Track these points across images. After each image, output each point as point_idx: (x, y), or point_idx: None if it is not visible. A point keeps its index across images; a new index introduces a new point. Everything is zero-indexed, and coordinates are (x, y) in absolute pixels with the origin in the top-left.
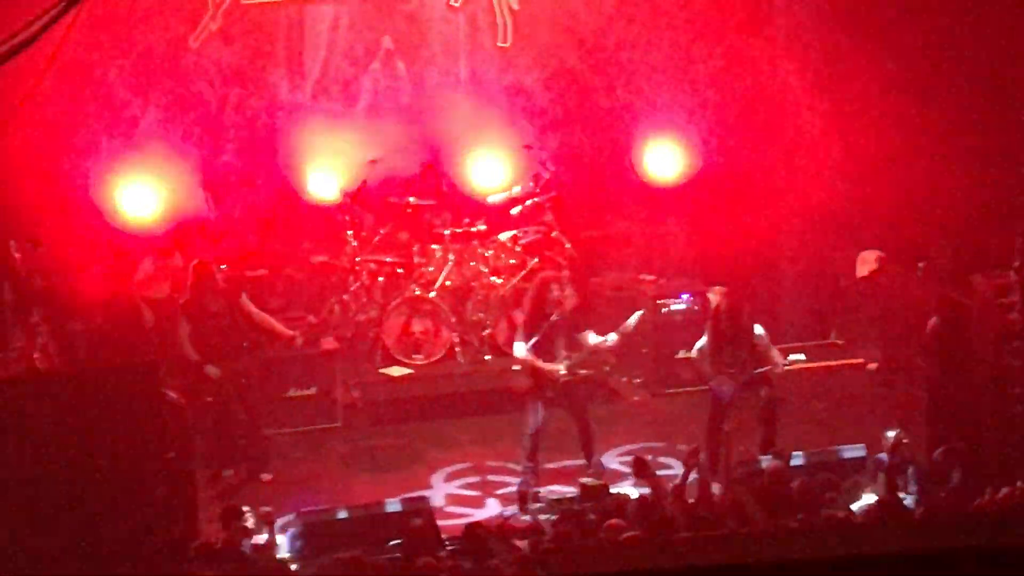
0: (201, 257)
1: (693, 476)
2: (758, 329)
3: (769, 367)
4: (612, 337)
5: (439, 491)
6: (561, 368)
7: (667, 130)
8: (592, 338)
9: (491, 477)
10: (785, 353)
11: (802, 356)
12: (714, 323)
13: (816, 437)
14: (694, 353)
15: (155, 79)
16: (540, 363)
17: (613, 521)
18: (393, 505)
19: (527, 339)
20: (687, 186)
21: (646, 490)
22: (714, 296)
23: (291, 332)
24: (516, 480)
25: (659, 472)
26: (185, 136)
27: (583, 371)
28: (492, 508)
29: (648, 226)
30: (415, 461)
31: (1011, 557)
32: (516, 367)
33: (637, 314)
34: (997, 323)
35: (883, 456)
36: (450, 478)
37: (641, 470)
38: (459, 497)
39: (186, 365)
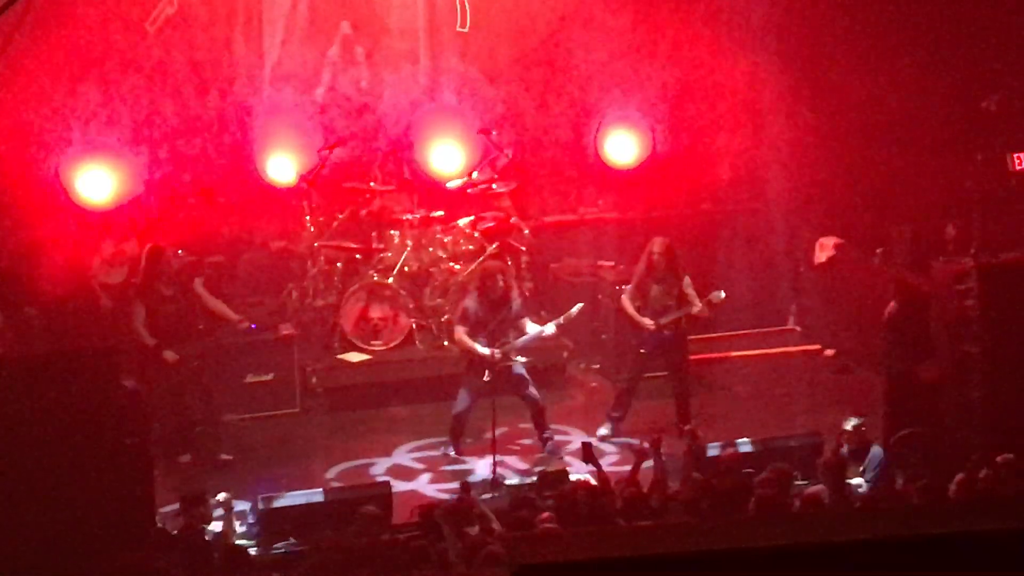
0: (157, 242)
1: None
2: (687, 279)
3: (689, 309)
4: (550, 327)
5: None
6: (497, 353)
7: (627, 116)
8: (531, 327)
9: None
10: (739, 340)
11: (722, 293)
12: (647, 263)
13: (773, 423)
14: (624, 297)
15: (112, 63)
16: (476, 347)
17: (545, 515)
18: (352, 490)
19: (466, 324)
20: (646, 172)
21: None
22: (658, 243)
23: (237, 317)
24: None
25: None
26: (142, 120)
27: (521, 358)
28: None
29: (607, 212)
30: (374, 446)
31: (973, 543)
32: (454, 349)
33: (577, 306)
34: (954, 309)
35: (841, 443)
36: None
37: (588, 456)
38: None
39: (141, 350)
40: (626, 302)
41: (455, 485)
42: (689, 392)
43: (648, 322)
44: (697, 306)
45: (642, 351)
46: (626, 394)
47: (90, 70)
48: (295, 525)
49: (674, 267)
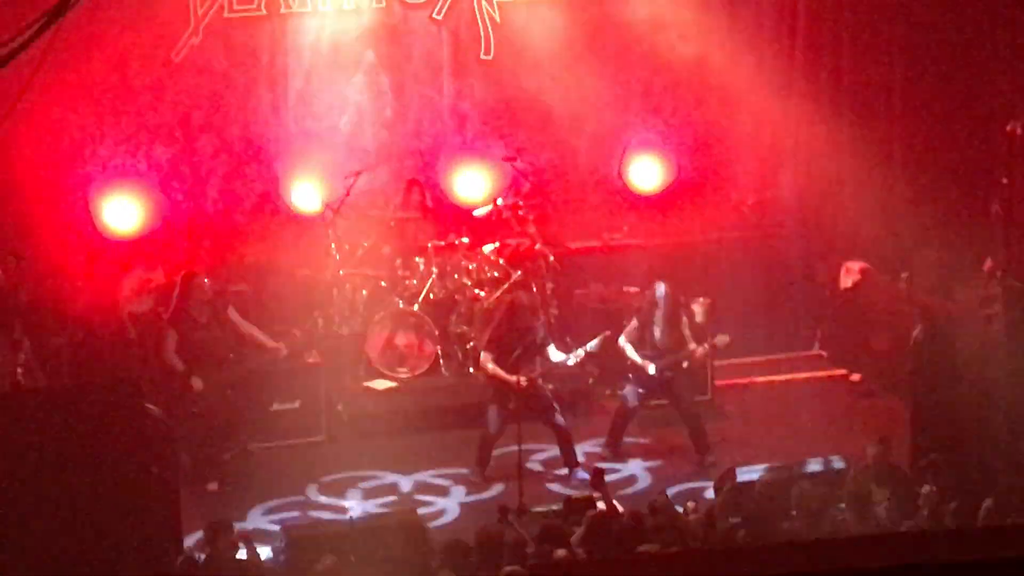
0: (191, 269)
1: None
2: (685, 320)
3: (691, 352)
4: (577, 354)
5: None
6: (523, 380)
7: (651, 141)
8: (556, 354)
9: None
10: (765, 365)
11: (727, 337)
12: (649, 307)
13: (798, 449)
14: (622, 338)
15: (138, 93)
16: (503, 373)
17: (561, 551)
18: (382, 518)
19: (493, 352)
20: (671, 197)
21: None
22: (662, 288)
23: (276, 344)
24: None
25: None
26: (168, 150)
27: (547, 385)
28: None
29: (632, 237)
30: (398, 474)
31: (1003, 570)
32: (480, 376)
33: (601, 335)
34: (980, 334)
35: (866, 469)
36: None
37: (597, 482)
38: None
39: (171, 377)
40: (626, 345)
41: None
42: (702, 424)
43: (650, 366)
44: (698, 349)
45: (641, 391)
46: (620, 427)
47: (116, 100)
48: (323, 552)
49: (676, 311)
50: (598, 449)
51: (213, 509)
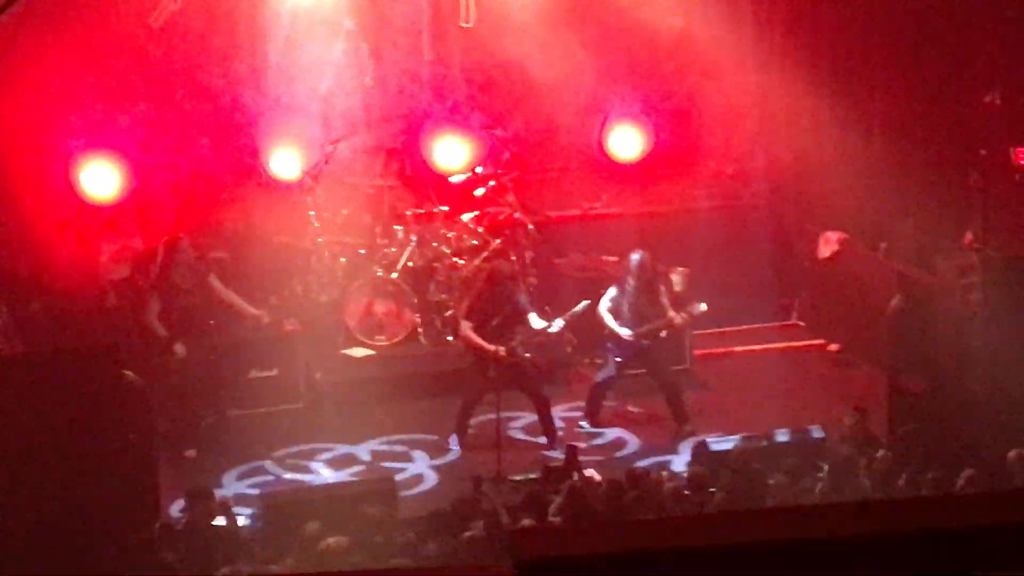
0: (174, 234)
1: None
2: (663, 289)
3: (669, 320)
4: (558, 323)
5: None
6: (501, 348)
7: (631, 111)
8: (535, 322)
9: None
10: (743, 335)
11: (703, 306)
12: (627, 275)
13: (777, 419)
14: (601, 307)
15: (116, 59)
16: (482, 342)
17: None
18: (357, 485)
19: (472, 320)
20: (650, 166)
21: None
22: (638, 256)
23: (257, 312)
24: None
25: None
26: (146, 117)
27: (526, 353)
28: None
29: (611, 207)
30: (372, 440)
31: (975, 539)
32: (458, 344)
33: (583, 304)
34: (958, 303)
35: (844, 438)
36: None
37: (572, 460)
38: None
39: (151, 344)
40: (604, 313)
41: None
42: (680, 393)
43: (626, 332)
44: (676, 317)
45: (618, 360)
46: (598, 396)
47: (94, 66)
48: (300, 519)
49: (654, 280)
50: (574, 415)
51: (191, 476)
